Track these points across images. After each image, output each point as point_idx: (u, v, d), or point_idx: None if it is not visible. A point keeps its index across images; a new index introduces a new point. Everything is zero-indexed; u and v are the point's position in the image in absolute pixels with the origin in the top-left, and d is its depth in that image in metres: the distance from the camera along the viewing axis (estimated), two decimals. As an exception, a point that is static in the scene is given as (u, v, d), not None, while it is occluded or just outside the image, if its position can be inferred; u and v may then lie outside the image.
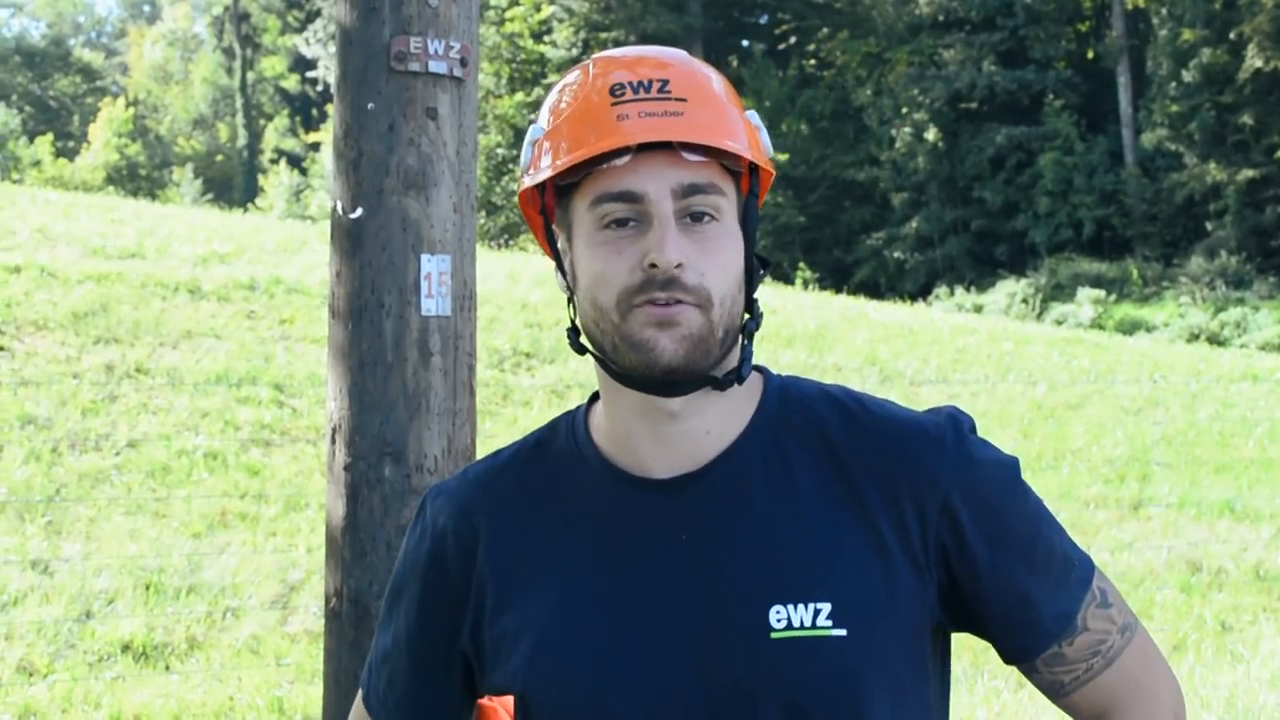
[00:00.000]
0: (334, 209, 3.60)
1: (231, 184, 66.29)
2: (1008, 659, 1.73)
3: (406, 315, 3.46)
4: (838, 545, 1.62)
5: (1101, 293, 37.21)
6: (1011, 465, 1.71)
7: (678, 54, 1.71)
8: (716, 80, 1.69)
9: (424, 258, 3.51)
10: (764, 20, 56.42)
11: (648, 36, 52.14)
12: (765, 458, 1.67)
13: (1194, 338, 32.61)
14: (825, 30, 51.51)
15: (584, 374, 13.85)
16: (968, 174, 43.21)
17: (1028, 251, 41.17)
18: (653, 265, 1.57)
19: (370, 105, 3.58)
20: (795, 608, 1.59)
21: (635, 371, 1.62)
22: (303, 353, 12.91)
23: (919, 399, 14.89)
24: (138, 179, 60.87)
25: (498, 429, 12.12)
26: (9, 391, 10.93)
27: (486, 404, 12.67)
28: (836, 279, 37.94)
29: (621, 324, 1.60)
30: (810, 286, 30.89)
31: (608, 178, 1.61)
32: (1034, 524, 1.69)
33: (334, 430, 3.44)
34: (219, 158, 71.05)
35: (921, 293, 38.50)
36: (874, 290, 36.81)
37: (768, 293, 23.35)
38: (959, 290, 38.50)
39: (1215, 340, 32.48)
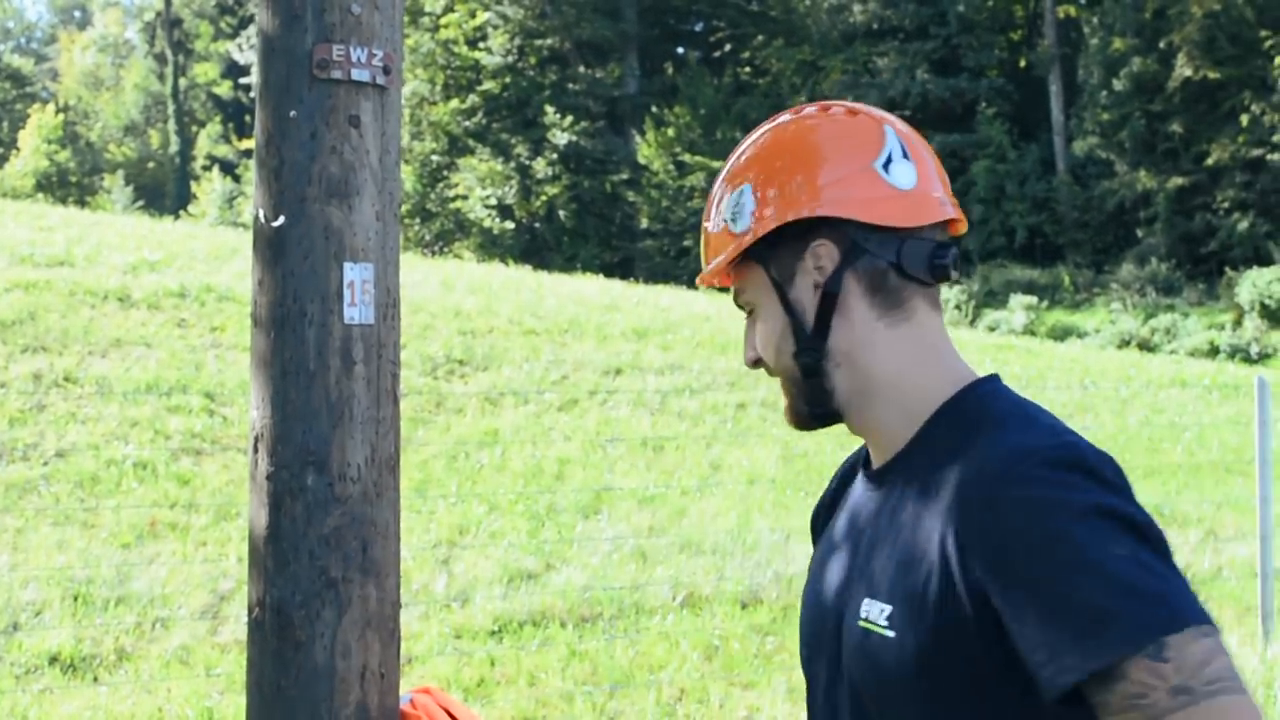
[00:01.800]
0: (256, 217, 3.59)
1: (164, 191, 65.83)
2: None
3: (329, 324, 3.44)
4: (915, 556, 1.80)
5: (1034, 299, 37.59)
6: (1056, 507, 1.67)
7: (738, 153, 2.10)
8: (726, 184, 2.08)
9: (346, 266, 3.50)
10: (699, 27, 56.64)
11: (582, 43, 52.21)
12: (912, 464, 1.90)
13: (1125, 344, 32.98)
14: (760, 38, 51.76)
15: (516, 381, 13.85)
16: (902, 181, 43.43)
17: (960, 258, 41.47)
18: None
19: (292, 113, 3.56)
20: (874, 604, 1.85)
21: None
22: (234, 361, 12.83)
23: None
24: (68, 186, 60.36)
25: (430, 436, 12.09)
26: (-66, 401, 10.82)
27: (420, 411, 12.64)
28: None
29: None
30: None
31: None
32: (1059, 570, 1.64)
33: (257, 439, 3.42)
34: (151, 164, 70.55)
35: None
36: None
37: (699, 299, 23.41)
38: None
39: (1145, 346, 32.88)
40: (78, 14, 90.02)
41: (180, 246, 17.60)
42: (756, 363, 2.04)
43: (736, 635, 8.32)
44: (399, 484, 3.55)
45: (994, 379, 1.97)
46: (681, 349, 16.27)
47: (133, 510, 9.54)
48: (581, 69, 52.54)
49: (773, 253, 1.97)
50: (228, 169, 63.52)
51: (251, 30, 62.52)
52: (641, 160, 48.09)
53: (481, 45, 51.85)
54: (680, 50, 57.21)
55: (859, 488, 2.06)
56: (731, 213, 1.99)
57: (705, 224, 2.08)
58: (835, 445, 13.11)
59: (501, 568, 9.13)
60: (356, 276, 3.53)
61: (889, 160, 1.95)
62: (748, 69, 52.65)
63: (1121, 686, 1.60)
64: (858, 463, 2.14)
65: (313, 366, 3.44)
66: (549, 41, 52.52)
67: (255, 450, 3.46)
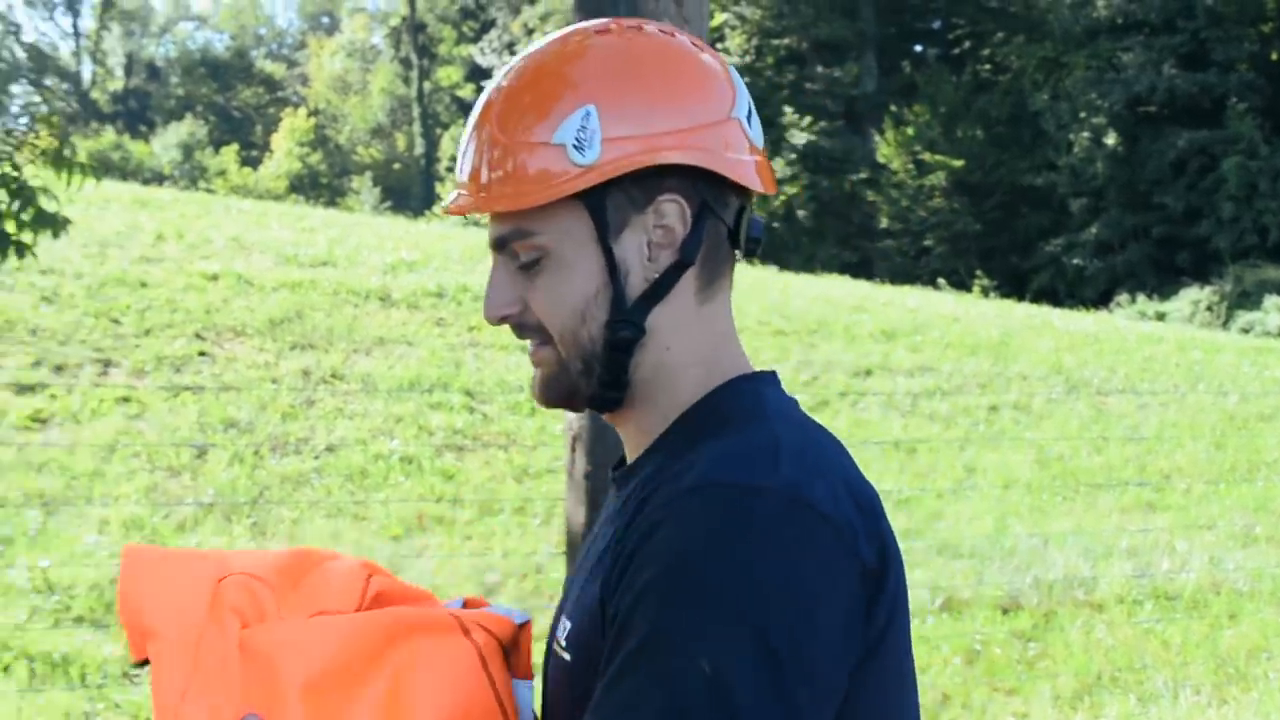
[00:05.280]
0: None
1: (409, 192, 67.33)
2: None
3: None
4: (595, 575, 1.55)
5: (1289, 300, 36.37)
6: (692, 572, 1.36)
7: (505, 73, 1.64)
8: (562, 91, 1.58)
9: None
10: (937, 25, 55.99)
11: (820, 43, 52.06)
12: (646, 467, 1.61)
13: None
14: (1000, 35, 50.99)
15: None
16: (1148, 179, 42.42)
17: (1210, 258, 40.30)
18: None
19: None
20: (565, 622, 1.60)
21: None
22: (491, 360, 13.13)
23: (1107, 409, 14.73)
24: (319, 187, 62.20)
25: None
26: (212, 395, 11.28)
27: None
28: (1014, 286, 37.51)
29: None
30: (990, 294, 30.60)
31: None
32: (644, 653, 1.36)
33: (574, 439, 3.56)
34: (396, 166, 72.26)
35: (1102, 300, 37.89)
36: (1053, 297, 36.26)
37: (945, 300, 23.21)
38: (1140, 297, 37.83)
39: None
40: (326, 20, 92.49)
41: (435, 247, 18.03)
42: (505, 320, 1.64)
43: (998, 640, 8.26)
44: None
45: (767, 376, 1.67)
46: (931, 350, 16.16)
47: (400, 504, 9.84)
48: (819, 68, 52.38)
49: (607, 197, 1.57)
50: (469, 170, 64.74)
51: (493, 34, 63.69)
52: (880, 159, 47.76)
53: (720, 46, 52.04)
54: (918, 48, 56.62)
55: (611, 493, 1.75)
56: (577, 136, 1.54)
57: (494, 130, 1.59)
58: (1092, 450, 12.92)
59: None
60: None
61: (750, 112, 1.66)
62: (988, 66, 51.87)
63: None
64: None
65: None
66: (786, 41, 52.45)
67: (573, 450, 3.60)
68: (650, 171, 1.56)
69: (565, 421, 3.57)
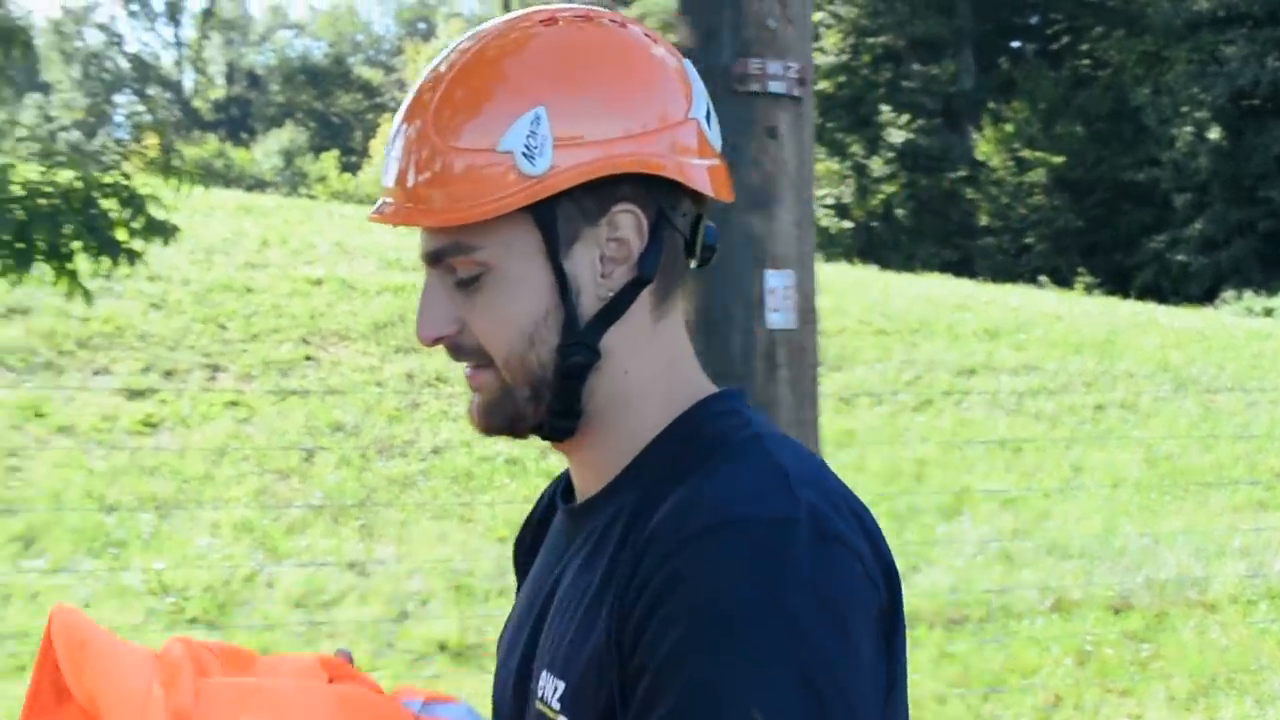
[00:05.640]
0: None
1: (506, 195, 67.77)
2: None
3: (753, 329, 3.56)
4: (590, 626, 1.39)
5: (1400, 297, 35.69)
6: (729, 612, 1.24)
7: (440, 64, 1.46)
8: (505, 93, 1.40)
9: (768, 273, 3.61)
10: (1035, 21, 55.45)
11: (916, 40, 51.74)
12: (616, 501, 1.46)
13: None
14: (1099, 29, 50.42)
15: (869, 382, 13.85)
16: (1253, 173, 41.77)
17: (1319, 255, 39.66)
18: None
19: (712, 125, 3.69)
20: (550, 679, 1.44)
21: None
22: (593, 361, 13.18)
23: (1215, 406, 14.53)
24: (417, 191, 62.67)
25: (786, 436, 12.19)
26: (318, 399, 11.40)
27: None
28: (1117, 283, 37.08)
29: None
30: (1093, 291, 30.28)
31: None
32: (686, 706, 1.25)
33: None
34: (494, 170, 72.72)
35: (1207, 296, 37.34)
36: (1157, 294, 35.79)
37: (1048, 298, 22.98)
38: (1247, 293, 37.26)
39: None
40: (422, 26, 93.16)
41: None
42: (440, 341, 1.48)
43: (1109, 641, 8.18)
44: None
45: (736, 394, 1.53)
46: (1035, 349, 16.01)
47: (506, 506, 9.89)
48: (916, 66, 52.05)
49: (557, 208, 1.41)
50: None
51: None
52: (979, 157, 47.39)
53: (815, 45, 51.84)
54: (1016, 44, 56.10)
55: (557, 523, 1.61)
56: (526, 142, 1.37)
57: (428, 129, 1.41)
58: (1201, 449, 12.75)
59: (866, 568, 9.16)
60: (778, 283, 3.64)
61: (709, 112, 1.50)
62: (1087, 61, 51.28)
63: None
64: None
65: (738, 371, 3.56)
66: (883, 39, 52.16)
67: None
68: (604, 180, 1.40)
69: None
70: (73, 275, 6.32)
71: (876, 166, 48.00)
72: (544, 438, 1.50)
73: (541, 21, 1.44)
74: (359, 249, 16.31)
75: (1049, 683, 7.59)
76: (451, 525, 9.61)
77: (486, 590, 8.59)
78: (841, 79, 50.77)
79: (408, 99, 1.44)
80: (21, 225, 6.11)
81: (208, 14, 79.50)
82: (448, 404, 11.74)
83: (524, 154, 1.36)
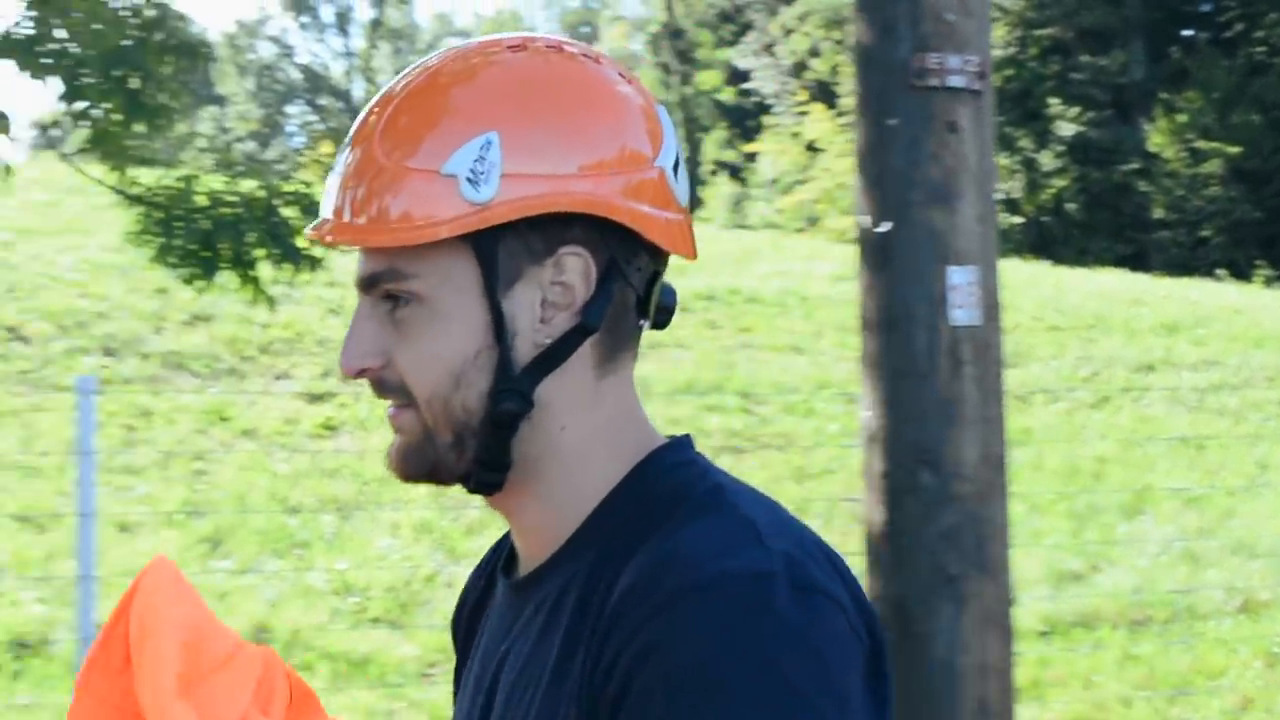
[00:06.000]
0: (860, 224, 3.72)
1: (672, 196, 67.88)
2: None
3: (937, 326, 3.54)
4: (553, 709, 1.29)
5: None
6: (726, 675, 1.16)
7: (394, 84, 1.39)
8: (451, 116, 1.33)
9: (951, 269, 3.58)
10: (1207, 8, 54.27)
11: (1084, 31, 50.94)
12: (567, 568, 1.36)
13: None
14: (1274, 16, 49.21)
15: (1045, 379, 13.66)
16: None
17: None
18: None
19: (891, 122, 3.68)
20: None
21: None
22: (765, 361, 13.17)
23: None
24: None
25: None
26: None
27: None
28: (1299, 275, 36.14)
29: None
30: (1273, 284, 29.54)
31: None
32: None
33: (871, 439, 3.55)
34: (660, 171, 72.89)
35: (1392, 287, 36.29)
36: (1341, 286, 34.85)
37: (1227, 291, 22.49)
38: None
39: None
40: (585, 29, 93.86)
41: (703, 249, 17.71)
42: (364, 375, 1.38)
43: (1301, 644, 7.99)
44: (1006, 483, 3.62)
45: (686, 443, 1.43)
46: (1216, 344, 15.66)
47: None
48: (1084, 57, 51.23)
49: (500, 243, 1.32)
50: (733, 173, 65.05)
51: (751, 37, 63.81)
52: (1152, 149, 46.50)
53: (983, 38, 51.30)
54: (1187, 33, 54.99)
55: (500, 596, 1.49)
56: (473, 167, 1.29)
57: (375, 149, 1.33)
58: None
59: (1046, 567, 9.04)
60: (961, 279, 3.61)
61: (677, 162, 1.41)
62: (1262, 48, 50.03)
63: None
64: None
65: (923, 368, 3.55)
66: (1050, 31, 51.43)
67: (870, 449, 3.60)
68: (554, 218, 1.31)
69: (861, 418, 3.56)
70: (256, 282, 6.47)
71: (1046, 160, 47.33)
72: (470, 490, 1.39)
73: (510, 47, 1.38)
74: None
75: (1238, 685, 7.43)
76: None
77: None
78: (1009, 72, 50.13)
79: (360, 115, 1.38)
80: (206, 234, 6.28)
81: (376, 24, 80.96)
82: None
83: (468, 179, 1.29)
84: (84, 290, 12.76)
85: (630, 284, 1.36)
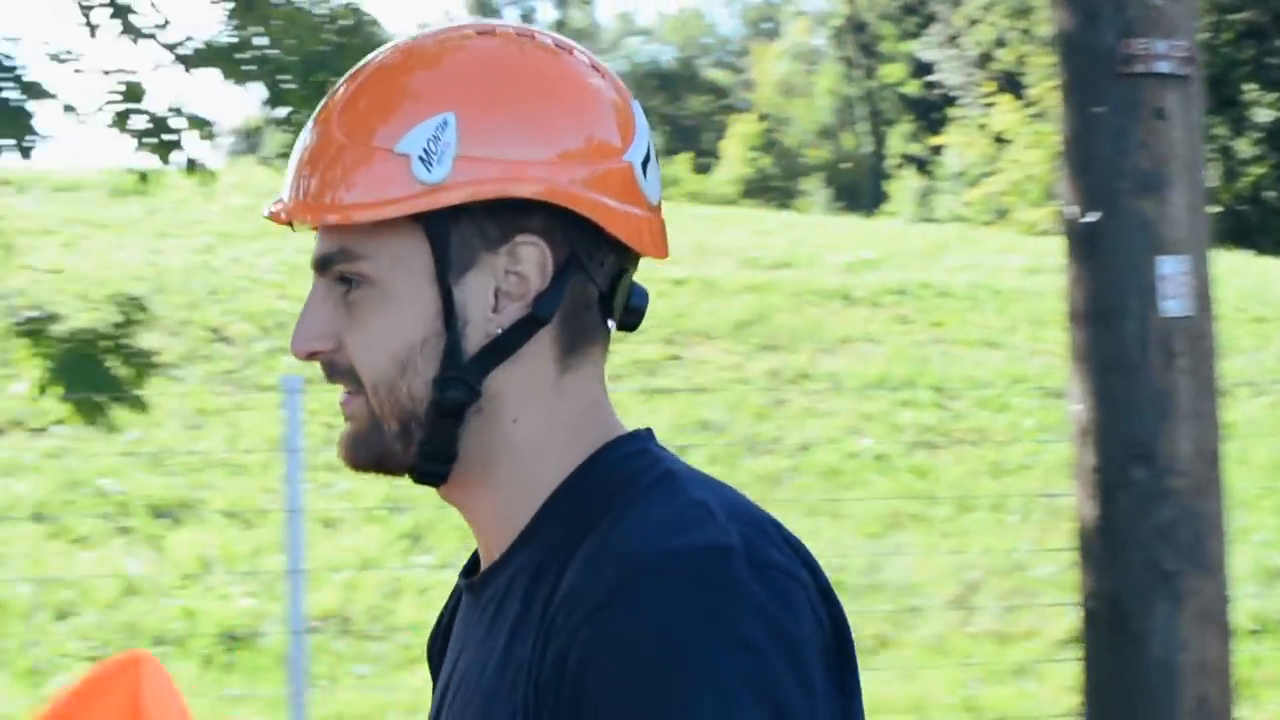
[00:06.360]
0: (1066, 214, 3.66)
1: (859, 190, 67.45)
2: None
3: (1148, 317, 3.47)
4: (489, 707, 1.27)
5: None
6: (678, 655, 1.12)
7: (359, 66, 1.37)
8: (407, 97, 1.31)
9: (1161, 259, 3.51)
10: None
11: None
12: (518, 565, 1.32)
13: None
14: None
15: (1249, 371, 13.31)
16: None
17: None
18: None
19: (1097, 110, 3.61)
20: None
21: None
22: (958, 356, 13.04)
23: None
24: (770, 190, 63.00)
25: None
26: (685, 397, 11.58)
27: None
28: None
29: None
30: None
31: None
32: None
33: (1082, 431, 3.50)
34: (844, 165, 72.51)
35: None
36: None
37: None
38: None
39: None
40: (768, 26, 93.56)
41: (891, 245, 18.03)
42: (314, 357, 1.34)
43: None
44: (1222, 477, 3.53)
45: (644, 434, 1.37)
46: None
47: (875, 502, 9.87)
48: (1283, 40, 49.86)
49: (453, 227, 1.29)
50: (919, 166, 64.43)
51: (935, 29, 63.07)
52: (1356, 131, 45.09)
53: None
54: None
55: (463, 602, 1.44)
56: (426, 147, 1.26)
57: (333, 128, 1.31)
58: None
59: (1254, 564, 8.81)
60: (1172, 269, 3.54)
61: (648, 158, 1.37)
62: None
63: None
64: None
65: (1134, 360, 3.48)
66: (1245, 15, 50.07)
67: (1082, 443, 3.54)
68: (512, 205, 1.28)
69: (1071, 412, 3.51)
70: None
71: (1243, 148, 46.05)
72: (415, 481, 1.35)
73: (479, 33, 1.36)
74: (718, 249, 16.51)
75: None
76: (822, 522, 9.63)
77: (858, 586, 8.59)
78: (1204, 59, 48.93)
79: (326, 97, 1.36)
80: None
81: (559, 24, 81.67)
82: (812, 401, 11.78)
83: (421, 158, 1.26)
84: (283, 291, 13.08)
85: (592, 279, 1.33)
